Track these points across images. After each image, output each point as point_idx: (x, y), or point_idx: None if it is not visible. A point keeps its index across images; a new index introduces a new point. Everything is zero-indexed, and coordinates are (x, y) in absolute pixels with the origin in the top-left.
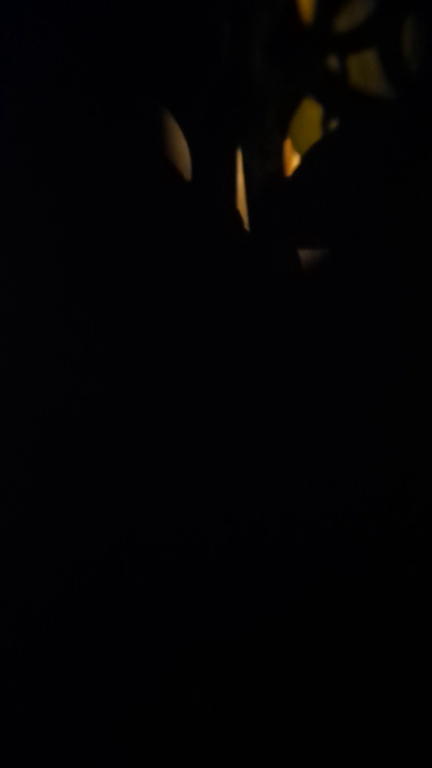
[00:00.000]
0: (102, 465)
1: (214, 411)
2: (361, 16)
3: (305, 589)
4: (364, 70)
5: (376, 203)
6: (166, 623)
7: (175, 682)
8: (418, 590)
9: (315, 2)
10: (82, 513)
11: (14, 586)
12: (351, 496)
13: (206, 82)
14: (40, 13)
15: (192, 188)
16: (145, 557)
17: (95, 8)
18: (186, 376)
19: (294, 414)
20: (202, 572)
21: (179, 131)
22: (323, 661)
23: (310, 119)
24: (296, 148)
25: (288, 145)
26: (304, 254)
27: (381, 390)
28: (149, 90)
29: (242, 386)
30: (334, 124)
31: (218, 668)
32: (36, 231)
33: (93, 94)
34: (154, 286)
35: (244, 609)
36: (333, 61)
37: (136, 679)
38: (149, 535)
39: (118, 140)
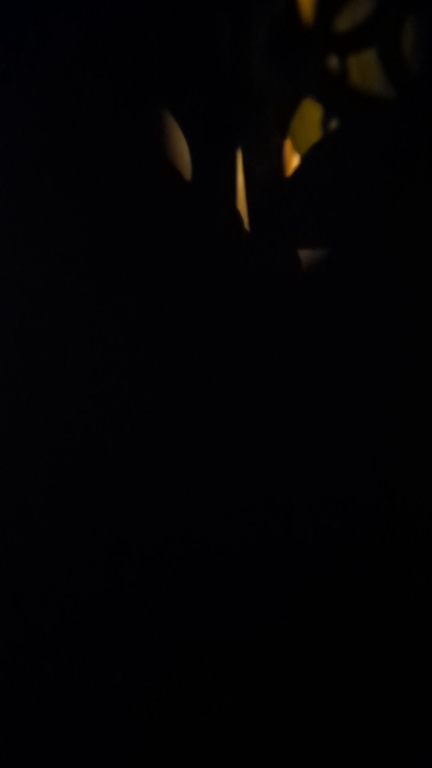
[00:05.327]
0: (100, 464)
1: (213, 410)
2: (361, 16)
3: (305, 590)
4: (364, 70)
5: (376, 203)
6: (165, 624)
7: (174, 683)
8: (419, 592)
9: (315, 2)
10: (82, 512)
11: (16, 586)
12: (351, 496)
13: (206, 82)
14: (39, 14)
15: (192, 188)
16: (143, 557)
17: (95, 8)
18: (185, 375)
19: (294, 413)
20: (201, 573)
21: (179, 131)
22: (323, 663)
23: (310, 119)
24: (296, 148)
25: (288, 145)
26: (304, 254)
27: (381, 390)
28: (149, 90)
29: (242, 386)
30: (334, 124)
31: (217, 669)
32: (34, 231)
33: (92, 94)
34: (153, 286)
35: (244, 610)
36: (333, 61)
37: (134, 680)
38: (148, 535)
39: (117, 140)
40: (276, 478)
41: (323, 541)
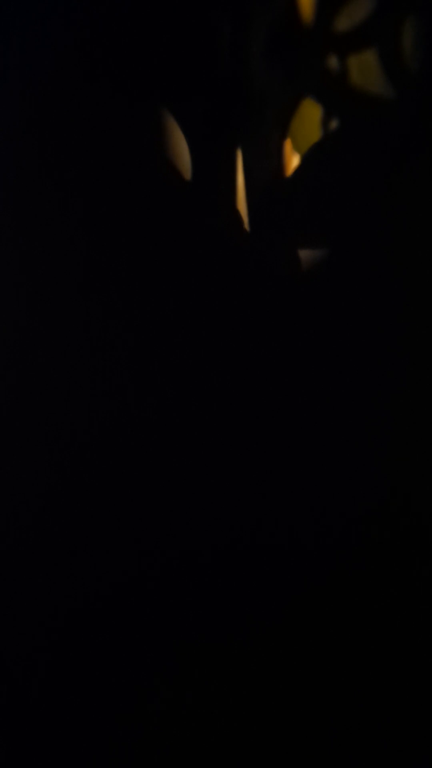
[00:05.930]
0: (100, 465)
1: (213, 410)
2: (361, 16)
3: (306, 590)
4: (364, 70)
5: (376, 203)
6: (165, 624)
7: (175, 683)
8: (419, 592)
9: (315, 2)
10: (83, 512)
11: (16, 586)
12: (351, 496)
13: (206, 82)
14: (39, 14)
15: (192, 188)
16: (144, 557)
17: (95, 8)
18: (185, 375)
19: (294, 413)
20: (201, 573)
21: (179, 131)
22: (323, 663)
23: (310, 119)
24: (296, 148)
25: (288, 145)
26: (304, 254)
27: (381, 390)
28: (149, 90)
29: (242, 386)
30: (334, 124)
31: (217, 669)
32: (34, 231)
33: (92, 94)
34: (153, 286)
35: (245, 610)
36: (333, 61)
37: (134, 680)
38: (149, 535)
39: (117, 140)
40: (276, 478)
41: (323, 541)
